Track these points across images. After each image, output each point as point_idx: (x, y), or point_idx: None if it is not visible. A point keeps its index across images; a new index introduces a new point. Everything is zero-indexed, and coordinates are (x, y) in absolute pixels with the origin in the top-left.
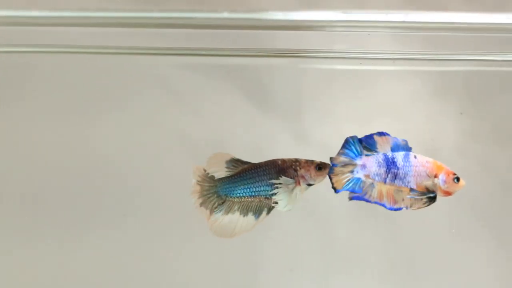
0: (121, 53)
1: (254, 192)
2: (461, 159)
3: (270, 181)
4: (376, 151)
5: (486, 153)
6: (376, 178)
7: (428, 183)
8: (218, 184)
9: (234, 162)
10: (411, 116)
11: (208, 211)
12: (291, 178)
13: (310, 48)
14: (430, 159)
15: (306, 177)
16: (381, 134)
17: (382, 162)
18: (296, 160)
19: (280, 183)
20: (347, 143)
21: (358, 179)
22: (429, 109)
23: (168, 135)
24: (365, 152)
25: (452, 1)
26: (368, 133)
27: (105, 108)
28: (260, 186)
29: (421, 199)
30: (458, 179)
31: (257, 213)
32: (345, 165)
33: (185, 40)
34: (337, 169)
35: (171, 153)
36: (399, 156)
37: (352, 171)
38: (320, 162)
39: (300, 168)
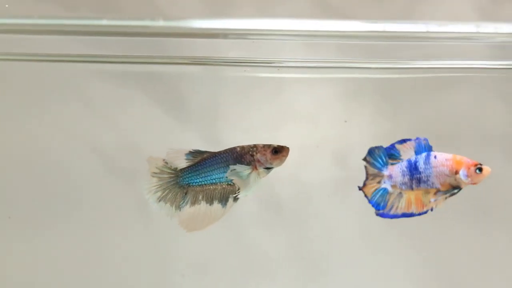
0: (32, 60)
1: (215, 179)
2: None
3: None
4: (400, 159)
5: None
6: (403, 187)
7: (451, 180)
8: (180, 173)
9: (194, 153)
10: (323, 121)
11: (169, 205)
12: (247, 164)
13: (223, 56)
14: (450, 156)
15: (262, 161)
16: (402, 142)
17: (405, 170)
18: (254, 146)
19: (234, 169)
20: (371, 154)
21: (385, 189)
22: (340, 114)
23: (80, 143)
24: (390, 161)
25: (362, 10)
26: (279, 139)
27: (15, 114)
28: (220, 173)
29: (445, 197)
30: (480, 169)
31: (223, 200)
32: (374, 176)
33: (97, 47)
34: (367, 182)
35: (84, 161)
36: (421, 159)
37: (379, 182)
38: (277, 145)
39: (256, 153)
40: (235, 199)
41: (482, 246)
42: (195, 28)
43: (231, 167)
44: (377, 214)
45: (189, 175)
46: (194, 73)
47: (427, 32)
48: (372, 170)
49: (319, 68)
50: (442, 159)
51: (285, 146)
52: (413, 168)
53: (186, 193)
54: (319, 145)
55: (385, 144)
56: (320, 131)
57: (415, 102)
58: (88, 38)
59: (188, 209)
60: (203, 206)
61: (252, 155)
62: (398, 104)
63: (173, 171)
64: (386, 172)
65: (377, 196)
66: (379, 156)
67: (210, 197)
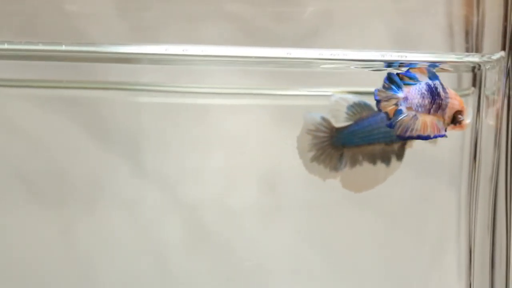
0: None
1: (375, 139)
2: (306, 194)
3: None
4: (417, 81)
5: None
6: (420, 109)
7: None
8: (335, 134)
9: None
10: (249, 150)
11: (322, 166)
12: None
13: (147, 82)
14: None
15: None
16: (414, 65)
17: (425, 93)
18: None
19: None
20: (389, 79)
21: (400, 111)
22: (268, 143)
23: (3, 168)
24: (405, 82)
25: (289, 37)
26: (209, 164)
27: None
28: (380, 133)
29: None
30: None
31: (386, 160)
32: (388, 99)
33: (18, 71)
34: (382, 104)
35: (5, 187)
36: (439, 86)
37: (396, 104)
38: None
39: None
40: (399, 157)
41: None
42: (120, 53)
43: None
44: (396, 135)
45: (346, 135)
46: (116, 98)
47: (332, 59)
48: (385, 94)
49: (243, 94)
50: (453, 93)
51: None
52: (434, 93)
53: (342, 154)
54: (245, 171)
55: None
56: (247, 157)
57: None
58: (8, 62)
59: (349, 170)
60: (365, 166)
61: None
62: None
63: (329, 130)
64: (401, 94)
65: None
66: (397, 81)
67: (372, 157)
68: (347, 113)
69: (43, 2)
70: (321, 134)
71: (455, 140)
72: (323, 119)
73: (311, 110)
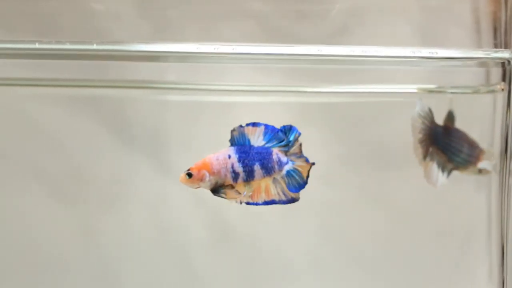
0: None
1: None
2: (325, 190)
3: None
4: None
5: (352, 181)
6: None
7: None
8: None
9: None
10: None
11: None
12: None
13: (170, 80)
14: None
15: None
16: None
17: None
18: None
19: None
20: None
21: None
22: None
23: (24, 169)
24: None
25: (313, 34)
26: None
27: None
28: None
29: None
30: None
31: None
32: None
33: (39, 71)
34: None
35: (28, 187)
36: None
37: None
38: None
39: None
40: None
41: None
42: (140, 51)
43: None
44: None
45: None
46: (139, 97)
47: (363, 56)
48: None
49: (264, 91)
50: None
51: None
52: None
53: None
54: None
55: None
56: None
57: (357, 125)
58: (29, 62)
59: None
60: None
61: None
62: (342, 128)
63: (431, 123)
64: None
65: None
66: None
67: (444, 163)
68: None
69: (68, 1)
70: (427, 123)
71: (485, 136)
72: (430, 110)
73: (336, 107)
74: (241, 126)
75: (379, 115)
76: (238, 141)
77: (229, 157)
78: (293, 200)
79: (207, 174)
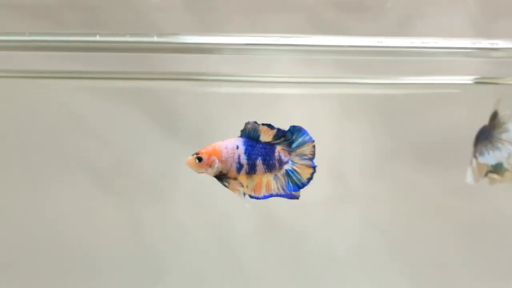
0: (19, 77)
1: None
2: (372, 184)
3: None
4: None
5: (399, 175)
6: None
7: None
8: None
9: None
10: (319, 137)
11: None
12: None
13: (215, 72)
14: None
15: None
16: None
17: None
18: None
19: None
20: None
21: None
22: (335, 133)
23: (71, 161)
24: None
25: (358, 25)
26: None
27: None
28: None
29: None
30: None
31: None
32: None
33: (89, 64)
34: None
35: (75, 179)
36: None
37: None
38: None
39: None
40: None
41: None
42: (188, 43)
43: None
44: None
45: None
46: (187, 89)
47: (423, 47)
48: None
49: (313, 83)
50: None
51: None
52: None
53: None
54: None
55: (382, 160)
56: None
57: (411, 118)
58: (80, 55)
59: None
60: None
61: None
62: (394, 120)
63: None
64: None
65: None
66: None
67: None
68: None
69: None
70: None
71: None
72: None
73: (387, 99)
74: (255, 123)
75: (432, 108)
76: (249, 134)
77: (237, 147)
78: (292, 197)
79: (217, 161)
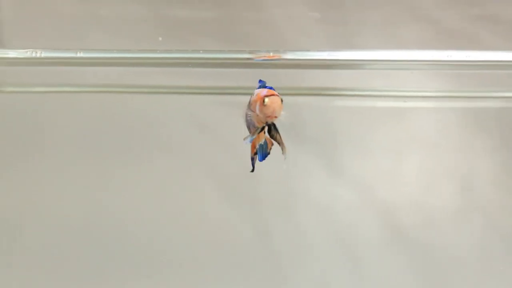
0: (149, 92)
1: None
2: (500, 195)
3: None
4: None
5: None
6: None
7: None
8: None
9: None
10: (444, 151)
11: None
12: None
13: (343, 87)
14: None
15: None
16: None
17: None
18: None
19: None
20: None
21: None
22: (463, 145)
23: (200, 169)
24: None
25: (491, 40)
26: (401, 167)
27: (137, 147)
28: None
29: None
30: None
31: None
32: None
33: (218, 79)
34: None
35: (203, 187)
36: None
37: None
38: None
39: None
40: None
41: None
42: (317, 60)
43: None
44: None
45: None
46: (315, 103)
47: None
48: None
49: (439, 97)
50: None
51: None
52: None
53: None
54: (441, 172)
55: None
56: (442, 159)
57: None
58: (211, 70)
59: None
60: None
61: None
62: None
63: None
64: None
65: None
66: None
67: None
68: None
69: (242, 9)
70: None
71: None
72: None
73: (509, 112)
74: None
75: None
76: None
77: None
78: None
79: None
